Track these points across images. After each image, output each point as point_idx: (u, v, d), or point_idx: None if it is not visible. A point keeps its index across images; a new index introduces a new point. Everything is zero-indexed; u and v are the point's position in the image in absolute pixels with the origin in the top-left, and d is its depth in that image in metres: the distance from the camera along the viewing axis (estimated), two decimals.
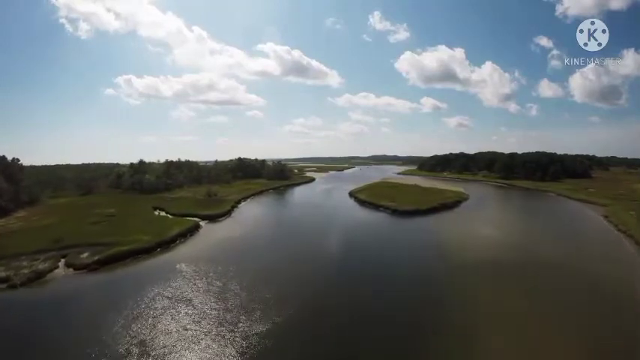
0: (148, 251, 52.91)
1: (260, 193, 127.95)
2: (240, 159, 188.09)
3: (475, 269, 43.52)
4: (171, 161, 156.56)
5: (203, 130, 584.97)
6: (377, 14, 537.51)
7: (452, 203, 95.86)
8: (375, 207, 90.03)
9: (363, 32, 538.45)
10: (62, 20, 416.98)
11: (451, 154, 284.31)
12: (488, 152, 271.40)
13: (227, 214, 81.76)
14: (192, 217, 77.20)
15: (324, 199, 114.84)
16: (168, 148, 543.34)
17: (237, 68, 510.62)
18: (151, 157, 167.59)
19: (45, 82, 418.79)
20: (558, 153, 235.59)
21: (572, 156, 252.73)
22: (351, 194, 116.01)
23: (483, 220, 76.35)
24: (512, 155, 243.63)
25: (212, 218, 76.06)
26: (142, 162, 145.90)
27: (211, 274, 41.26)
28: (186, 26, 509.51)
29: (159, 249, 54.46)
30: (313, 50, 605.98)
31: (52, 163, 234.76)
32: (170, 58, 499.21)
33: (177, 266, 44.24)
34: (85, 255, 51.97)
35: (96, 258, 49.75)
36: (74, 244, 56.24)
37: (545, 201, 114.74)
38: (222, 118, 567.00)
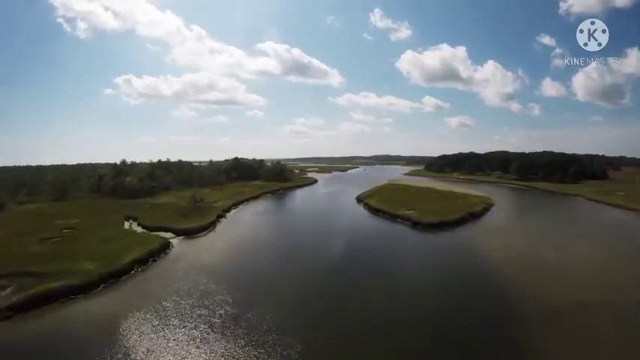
0: (86, 289, 38.20)
1: (255, 197, 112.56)
2: (236, 159, 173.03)
3: (573, 326, 28.40)
4: (159, 161, 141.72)
5: (204, 130, 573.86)
6: (377, 12, 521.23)
7: (480, 212, 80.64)
8: (391, 217, 74.67)
9: (363, 30, 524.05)
10: (60, 20, 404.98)
11: (461, 153, 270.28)
12: (500, 152, 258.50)
13: (210, 227, 66.32)
14: (166, 230, 62.54)
15: (328, 205, 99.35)
16: (169, 148, 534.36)
17: (236, 67, 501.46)
18: (150, 158, 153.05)
19: (44, 82, 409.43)
20: (566, 153, 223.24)
21: (589, 156, 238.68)
22: (360, 200, 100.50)
23: (529, 236, 60.87)
24: (528, 155, 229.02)
25: (190, 233, 60.93)
26: (124, 162, 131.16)
27: (160, 339, 26.32)
28: (185, 25, 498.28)
29: (102, 285, 39.70)
30: (313, 49, 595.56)
31: (47, 163, 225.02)
32: (169, 58, 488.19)
33: (112, 323, 29.26)
34: (8, 292, 38.55)
35: (14, 300, 35.92)
36: (5, 272, 42.46)
37: (580, 207, 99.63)
38: (223, 117, 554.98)
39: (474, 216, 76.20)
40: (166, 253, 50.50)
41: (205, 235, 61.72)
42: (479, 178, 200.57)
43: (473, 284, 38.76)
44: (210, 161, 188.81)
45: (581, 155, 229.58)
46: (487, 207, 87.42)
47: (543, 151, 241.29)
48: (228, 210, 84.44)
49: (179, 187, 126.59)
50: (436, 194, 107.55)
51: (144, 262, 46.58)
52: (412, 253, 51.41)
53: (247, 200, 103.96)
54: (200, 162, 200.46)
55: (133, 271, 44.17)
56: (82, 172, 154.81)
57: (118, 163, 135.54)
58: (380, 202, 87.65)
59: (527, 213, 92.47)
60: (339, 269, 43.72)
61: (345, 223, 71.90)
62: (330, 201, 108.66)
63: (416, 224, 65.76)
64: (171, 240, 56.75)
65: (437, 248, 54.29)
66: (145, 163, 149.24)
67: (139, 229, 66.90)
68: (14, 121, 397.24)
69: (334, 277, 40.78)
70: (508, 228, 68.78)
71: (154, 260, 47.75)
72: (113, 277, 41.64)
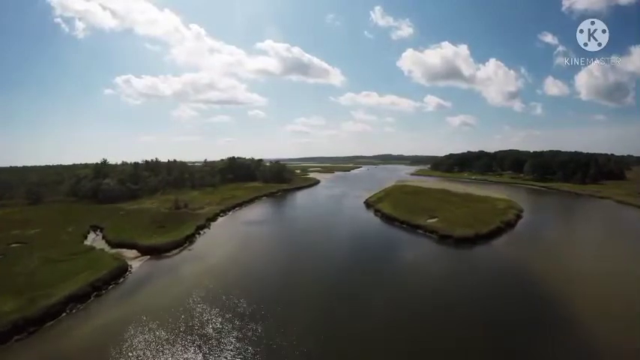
0: None
1: (250, 201, 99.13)
2: (231, 158, 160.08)
3: None
4: (145, 161, 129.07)
5: (205, 130, 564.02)
6: (378, 10, 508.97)
7: (514, 220, 67.67)
8: (410, 227, 61.42)
9: (364, 29, 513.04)
10: (57, 20, 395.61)
11: (470, 152, 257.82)
12: (512, 151, 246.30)
13: (185, 242, 52.99)
14: (131, 247, 49.96)
15: (333, 212, 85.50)
16: (170, 148, 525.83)
17: (236, 67, 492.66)
18: (151, 158, 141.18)
19: (43, 82, 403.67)
20: (582, 152, 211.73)
21: (605, 155, 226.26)
22: (369, 204, 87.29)
23: (591, 255, 47.46)
24: (542, 154, 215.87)
25: (158, 252, 47.97)
26: (104, 162, 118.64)
27: None
28: (183, 24, 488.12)
29: (16, 337, 27.40)
30: (314, 48, 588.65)
31: (42, 164, 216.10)
32: (169, 57, 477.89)
33: None
34: None
35: None
36: None
37: (617, 212, 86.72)
38: (224, 117, 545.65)
39: (509, 225, 63.30)
40: (117, 284, 37.70)
41: (178, 253, 48.40)
42: (491, 179, 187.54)
43: (549, 344, 25.87)
44: (205, 161, 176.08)
45: (597, 154, 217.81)
46: (518, 213, 74.40)
47: (558, 150, 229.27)
48: (214, 218, 71.24)
49: (167, 190, 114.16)
50: (453, 197, 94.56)
51: (83, 298, 33.95)
52: (455, 284, 37.52)
53: (240, 205, 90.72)
54: (201, 162, 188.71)
55: (64, 313, 31.70)
56: (67, 174, 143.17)
57: (99, 163, 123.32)
58: (393, 208, 74.63)
59: (566, 220, 79.17)
60: (360, 314, 30.85)
61: (356, 237, 58.75)
62: (335, 206, 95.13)
63: (444, 238, 52.43)
64: (132, 262, 44.11)
65: (486, 277, 39.87)
66: (130, 163, 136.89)
67: (102, 244, 54.56)
68: (14, 121, 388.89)
69: (354, 330, 27.91)
70: (558, 243, 55.06)
71: (98, 295, 35.07)
72: (33, 325, 29.22)
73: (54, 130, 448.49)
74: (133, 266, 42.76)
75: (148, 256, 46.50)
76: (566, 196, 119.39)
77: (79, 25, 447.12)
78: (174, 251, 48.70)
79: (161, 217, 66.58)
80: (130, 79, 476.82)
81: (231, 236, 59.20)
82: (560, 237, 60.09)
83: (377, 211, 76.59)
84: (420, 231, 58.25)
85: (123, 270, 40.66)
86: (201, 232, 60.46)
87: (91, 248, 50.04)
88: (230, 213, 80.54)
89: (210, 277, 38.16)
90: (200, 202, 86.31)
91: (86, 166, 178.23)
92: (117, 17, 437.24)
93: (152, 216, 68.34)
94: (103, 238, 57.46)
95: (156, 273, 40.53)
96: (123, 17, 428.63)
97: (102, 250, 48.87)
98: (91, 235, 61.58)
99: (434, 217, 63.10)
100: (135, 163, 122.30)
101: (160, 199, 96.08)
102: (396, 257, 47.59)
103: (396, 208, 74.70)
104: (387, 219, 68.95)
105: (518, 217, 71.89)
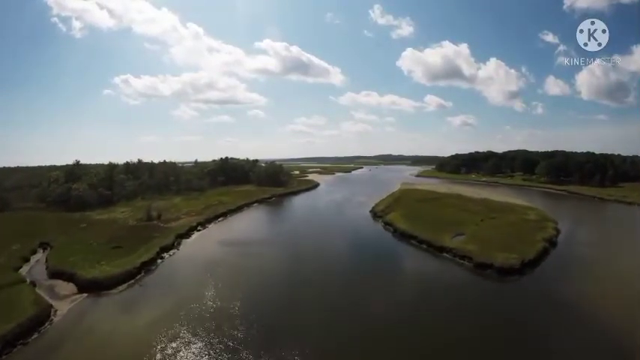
0: None
1: (237, 210, 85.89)
2: (223, 159, 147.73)
3: None
4: (126, 163, 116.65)
5: (205, 130, 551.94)
6: (377, 8, 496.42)
7: (555, 236, 55.63)
8: (432, 248, 48.76)
9: (364, 27, 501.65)
10: (54, 19, 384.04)
11: (477, 152, 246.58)
12: (521, 151, 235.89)
13: (139, 272, 40.05)
14: (69, 279, 37.78)
15: (332, 225, 72.10)
16: (171, 148, 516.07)
17: (236, 66, 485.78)
18: (152, 158, 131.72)
19: (42, 83, 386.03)
20: (595, 152, 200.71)
21: (619, 156, 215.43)
22: (376, 214, 74.71)
23: None
24: (553, 155, 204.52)
25: (98, 287, 35.44)
26: (78, 164, 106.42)
27: None
28: (181, 23, 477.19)
29: None
30: (314, 48, 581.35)
31: (35, 164, 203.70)
32: (168, 57, 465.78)
33: None
34: None
35: None
36: None
37: None
38: (224, 117, 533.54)
39: (551, 243, 51.14)
40: (26, 344, 25.49)
41: (125, 289, 35.81)
42: (502, 181, 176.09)
43: None
44: (196, 162, 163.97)
45: (612, 155, 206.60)
46: (556, 227, 62.22)
47: (563, 151, 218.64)
48: (187, 234, 58.25)
49: (148, 195, 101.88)
50: (472, 204, 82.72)
51: None
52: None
53: (224, 215, 77.33)
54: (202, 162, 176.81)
55: None
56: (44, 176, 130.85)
57: (79, 164, 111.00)
58: (406, 220, 62.31)
59: (613, 235, 65.35)
60: None
61: (365, 268, 44.54)
62: (336, 216, 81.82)
63: (481, 267, 39.92)
64: (61, 304, 31.90)
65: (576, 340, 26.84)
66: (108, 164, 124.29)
67: (41, 270, 42.57)
68: (11, 122, 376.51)
69: None
70: (629, 271, 42.38)
71: None
72: None
73: (53, 131, 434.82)
74: (58, 312, 30.52)
75: (86, 294, 34.19)
76: (590, 202, 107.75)
77: (76, 24, 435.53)
78: (122, 287, 35.91)
79: (123, 233, 54.18)
80: (128, 78, 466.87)
81: (201, 264, 44.75)
82: (628, 262, 46.70)
83: (387, 224, 63.89)
84: (447, 255, 45.65)
85: (41, 320, 28.37)
86: (167, 254, 47.40)
87: (19, 281, 37.64)
88: (210, 225, 67.33)
89: (150, 340, 25.57)
90: (178, 211, 74.17)
91: (84, 166, 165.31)
92: (114, 16, 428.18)
93: (113, 231, 55.89)
94: (46, 262, 45.33)
95: (84, 326, 27.88)
96: (120, 16, 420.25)
97: (30, 284, 36.56)
98: (38, 256, 49.55)
99: (460, 235, 50.93)
100: (111, 164, 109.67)
101: (136, 206, 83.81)
102: (425, 304, 33.55)
103: (410, 220, 62.38)
104: (401, 236, 56.29)
105: (557, 231, 59.81)
